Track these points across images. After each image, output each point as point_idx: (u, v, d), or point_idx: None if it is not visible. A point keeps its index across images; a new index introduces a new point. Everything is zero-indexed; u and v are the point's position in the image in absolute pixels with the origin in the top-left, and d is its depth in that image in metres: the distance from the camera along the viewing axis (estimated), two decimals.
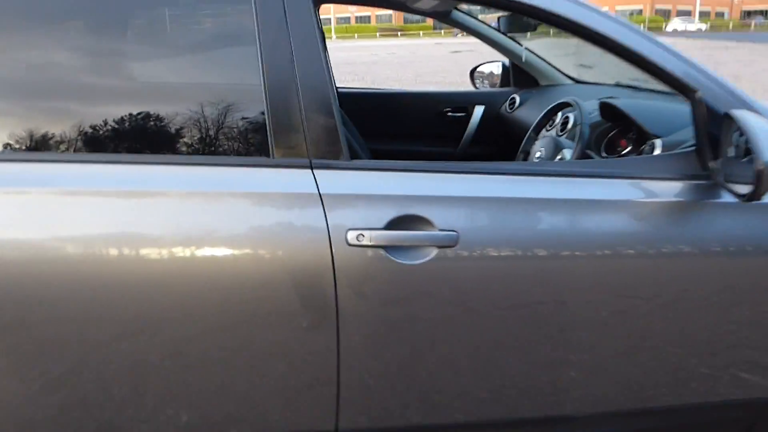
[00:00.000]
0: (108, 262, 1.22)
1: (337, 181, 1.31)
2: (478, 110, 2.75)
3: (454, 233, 1.29)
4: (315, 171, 1.31)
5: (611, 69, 2.62)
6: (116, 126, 1.30)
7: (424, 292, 1.31)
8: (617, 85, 2.61)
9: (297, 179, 1.30)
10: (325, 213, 1.27)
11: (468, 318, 1.33)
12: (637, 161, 1.47)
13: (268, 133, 1.31)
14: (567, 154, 1.70)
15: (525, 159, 2.02)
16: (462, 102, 2.84)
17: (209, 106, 1.32)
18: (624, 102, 1.80)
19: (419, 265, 1.29)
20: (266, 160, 1.32)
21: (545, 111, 1.96)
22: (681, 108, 1.81)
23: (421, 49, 28.05)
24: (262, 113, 1.31)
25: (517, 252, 1.31)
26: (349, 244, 1.27)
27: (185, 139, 1.33)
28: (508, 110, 2.72)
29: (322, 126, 1.31)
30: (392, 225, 1.29)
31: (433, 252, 1.29)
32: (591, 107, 1.95)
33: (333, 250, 1.27)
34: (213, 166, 1.30)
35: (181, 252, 1.24)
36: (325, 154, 1.32)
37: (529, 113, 2.55)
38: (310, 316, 1.30)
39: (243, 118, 1.34)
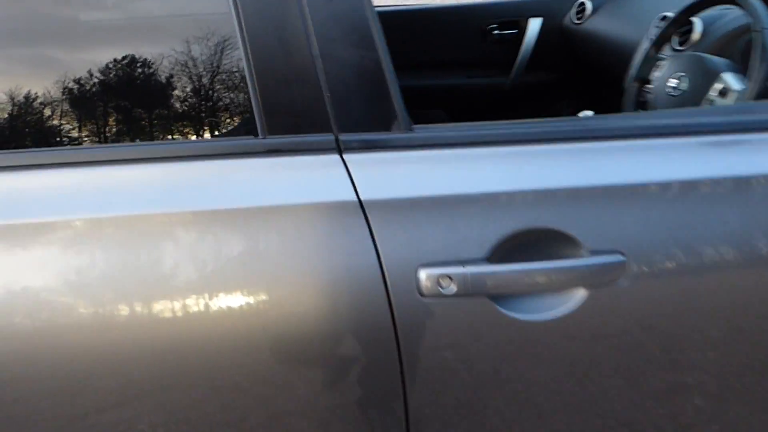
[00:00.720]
0: None
1: (391, 173, 0.69)
2: (535, 24, 2.13)
3: (620, 257, 0.68)
4: (346, 156, 0.69)
5: None
6: None
7: (557, 363, 0.72)
8: None
9: (313, 175, 0.68)
10: (373, 238, 0.66)
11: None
12: None
13: (251, 91, 0.68)
14: (732, 82, 1.07)
15: (639, 90, 1.38)
16: (511, 14, 2.19)
17: (136, 49, 0.69)
18: None
19: (555, 321, 0.69)
20: (251, 144, 0.69)
21: (676, 14, 1.32)
22: None
23: None
24: (237, 53, 0.68)
25: (698, 265, 0.71)
26: (424, 295, 0.66)
27: (93, 121, 0.70)
28: (576, 21, 2.07)
29: (355, 69, 0.68)
30: (502, 252, 0.68)
31: (579, 294, 0.69)
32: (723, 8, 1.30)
33: (393, 308, 0.66)
34: (147, 162, 0.68)
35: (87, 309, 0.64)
36: (364, 124, 0.69)
37: (610, 23, 1.89)
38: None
39: (202, 70, 0.70)
